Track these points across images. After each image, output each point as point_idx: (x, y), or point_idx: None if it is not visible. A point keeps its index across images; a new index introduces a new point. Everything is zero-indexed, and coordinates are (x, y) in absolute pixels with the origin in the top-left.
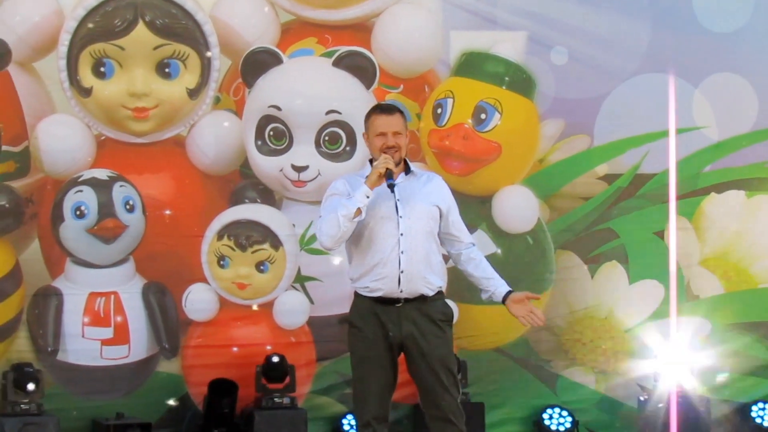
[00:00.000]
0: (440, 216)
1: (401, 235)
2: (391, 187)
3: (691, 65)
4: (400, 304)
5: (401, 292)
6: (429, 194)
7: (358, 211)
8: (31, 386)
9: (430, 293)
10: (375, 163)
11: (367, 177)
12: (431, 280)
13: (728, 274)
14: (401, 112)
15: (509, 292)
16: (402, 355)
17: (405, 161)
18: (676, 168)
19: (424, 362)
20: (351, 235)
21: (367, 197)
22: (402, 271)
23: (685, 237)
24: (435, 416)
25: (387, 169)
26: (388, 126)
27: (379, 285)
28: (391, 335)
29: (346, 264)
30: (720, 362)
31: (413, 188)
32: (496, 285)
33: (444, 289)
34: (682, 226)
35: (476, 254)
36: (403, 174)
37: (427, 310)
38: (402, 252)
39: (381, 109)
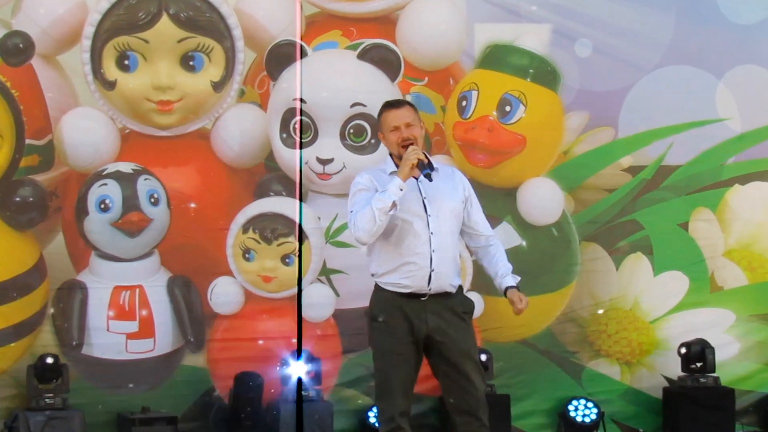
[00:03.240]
0: (463, 211)
1: (431, 234)
2: (428, 176)
3: (715, 57)
4: (425, 299)
5: (429, 289)
6: (452, 191)
7: (393, 204)
8: (55, 380)
9: (453, 290)
10: (405, 155)
11: (398, 169)
12: (455, 280)
13: (752, 265)
14: (410, 104)
15: (507, 290)
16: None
17: (426, 157)
18: (700, 159)
19: (449, 354)
20: None
21: (401, 189)
22: (433, 270)
23: (709, 228)
24: (459, 409)
25: (419, 160)
26: (399, 119)
27: (408, 282)
28: (416, 329)
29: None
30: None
31: (437, 185)
32: (500, 277)
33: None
34: (707, 217)
35: (493, 249)
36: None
37: (451, 303)
38: (434, 251)
39: (389, 104)
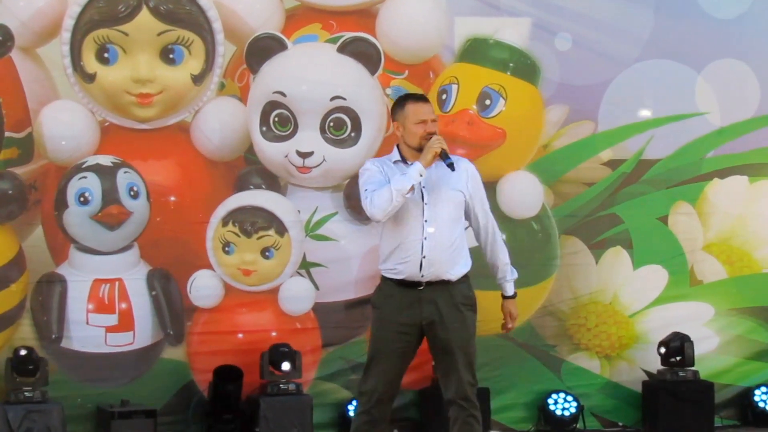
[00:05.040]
0: (465, 202)
1: (425, 221)
2: (451, 165)
3: (694, 51)
4: (422, 288)
5: (422, 276)
6: (453, 181)
7: (411, 187)
8: (35, 373)
9: (453, 279)
10: (429, 144)
11: (421, 156)
12: (455, 269)
13: (731, 259)
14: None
15: (507, 297)
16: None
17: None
18: (680, 153)
19: (442, 346)
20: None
21: (421, 175)
22: (424, 257)
23: (688, 222)
24: (449, 400)
25: (442, 149)
26: (428, 114)
27: (402, 268)
28: (409, 318)
29: (351, 250)
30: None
31: (440, 175)
32: (502, 281)
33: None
34: (686, 211)
35: (491, 241)
36: (441, 163)
37: (450, 293)
38: (425, 238)
39: (417, 98)
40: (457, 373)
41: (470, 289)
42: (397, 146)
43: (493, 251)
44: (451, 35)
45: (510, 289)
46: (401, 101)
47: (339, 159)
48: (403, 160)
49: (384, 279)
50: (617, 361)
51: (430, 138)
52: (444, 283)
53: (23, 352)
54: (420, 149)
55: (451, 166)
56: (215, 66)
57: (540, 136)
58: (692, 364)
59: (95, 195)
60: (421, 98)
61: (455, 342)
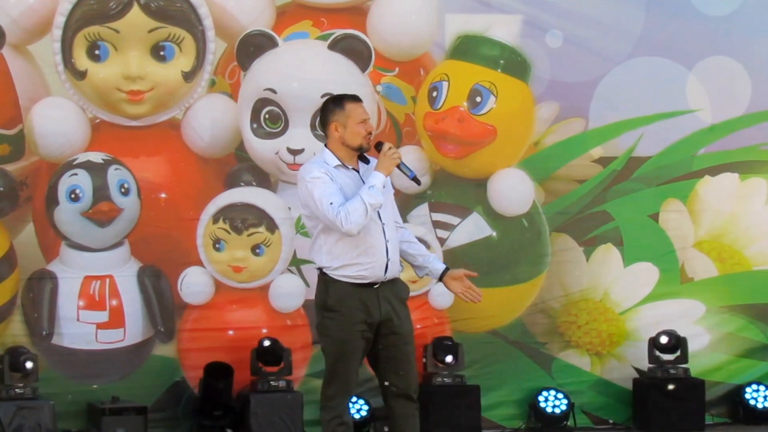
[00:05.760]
0: None
1: (384, 225)
2: (416, 180)
3: (686, 48)
4: (377, 286)
5: (386, 278)
6: (388, 183)
7: None
8: (25, 370)
9: (398, 275)
10: (387, 153)
11: (377, 165)
12: (400, 265)
13: (722, 257)
14: None
15: (446, 269)
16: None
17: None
18: (671, 150)
19: (398, 337)
20: (324, 225)
21: (384, 186)
22: (389, 259)
23: (679, 219)
24: (396, 392)
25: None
26: (366, 113)
27: (367, 273)
28: (370, 317)
29: None
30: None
31: None
32: (432, 261)
33: None
34: (677, 208)
35: (409, 235)
36: (362, 164)
37: (397, 290)
38: (388, 241)
39: (354, 98)
40: (410, 365)
41: (406, 284)
42: (327, 147)
43: (412, 244)
44: (441, 32)
45: (442, 263)
46: (338, 102)
47: None
48: (342, 163)
49: (337, 282)
50: (608, 358)
51: (371, 137)
52: (393, 281)
53: (14, 349)
54: (360, 148)
55: (416, 180)
56: (206, 63)
57: (531, 134)
58: (683, 362)
59: (86, 192)
60: (358, 98)
61: (408, 334)
